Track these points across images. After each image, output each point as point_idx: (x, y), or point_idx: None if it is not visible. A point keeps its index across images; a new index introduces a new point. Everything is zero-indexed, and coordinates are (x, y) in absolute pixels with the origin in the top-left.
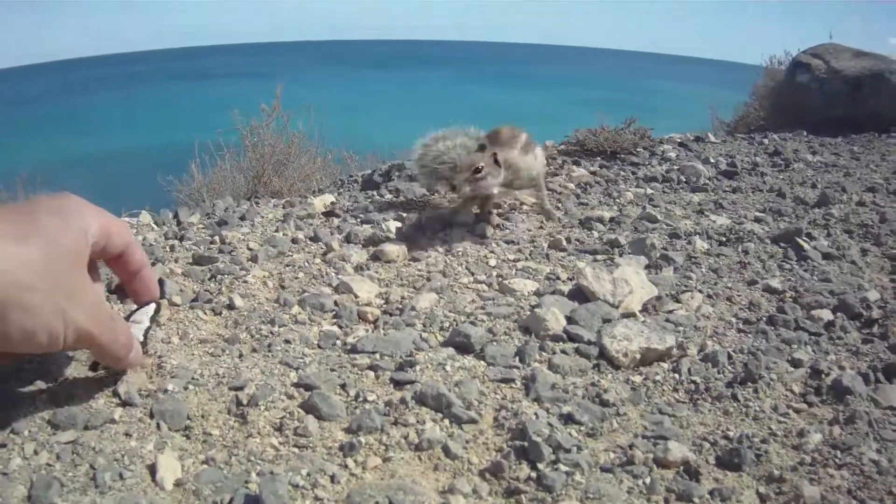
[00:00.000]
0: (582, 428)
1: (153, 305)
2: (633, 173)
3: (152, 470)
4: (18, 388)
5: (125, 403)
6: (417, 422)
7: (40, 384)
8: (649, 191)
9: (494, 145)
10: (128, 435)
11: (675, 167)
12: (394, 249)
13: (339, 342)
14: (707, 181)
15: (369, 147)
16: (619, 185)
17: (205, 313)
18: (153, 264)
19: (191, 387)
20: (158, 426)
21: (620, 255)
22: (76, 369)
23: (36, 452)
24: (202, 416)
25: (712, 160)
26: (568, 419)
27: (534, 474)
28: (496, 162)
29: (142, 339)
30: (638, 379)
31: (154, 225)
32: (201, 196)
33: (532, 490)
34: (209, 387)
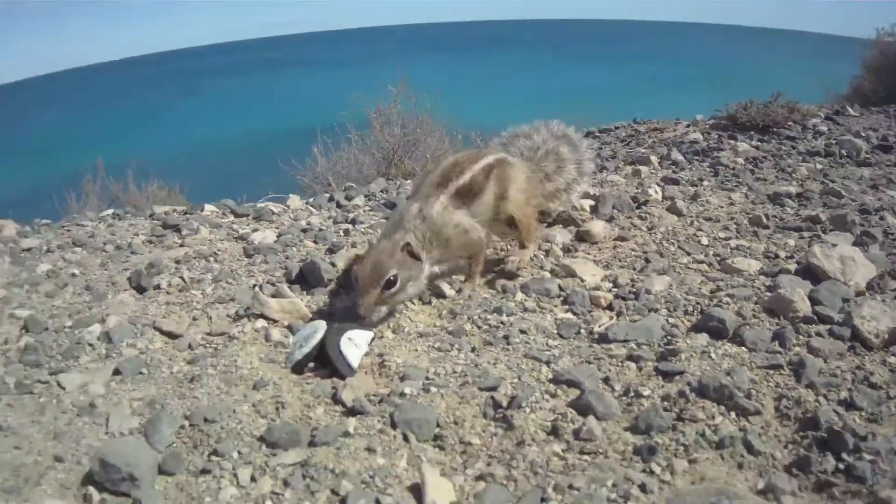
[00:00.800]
0: (863, 414)
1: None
2: (794, 147)
3: (416, 492)
4: (201, 392)
5: (354, 412)
6: (707, 416)
7: (233, 391)
8: (819, 166)
9: (430, 185)
10: (370, 450)
11: (833, 141)
12: (600, 230)
13: (582, 331)
14: (867, 155)
15: (476, 126)
16: (787, 160)
17: (412, 302)
18: (332, 251)
19: (432, 388)
20: (406, 437)
21: (825, 232)
22: (274, 371)
23: (254, 479)
24: (455, 423)
25: (863, 133)
26: (849, 405)
27: (841, 466)
28: (411, 254)
29: (299, 357)
30: (893, 360)
31: (312, 209)
32: (326, 180)
33: (843, 482)
34: (452, 387)
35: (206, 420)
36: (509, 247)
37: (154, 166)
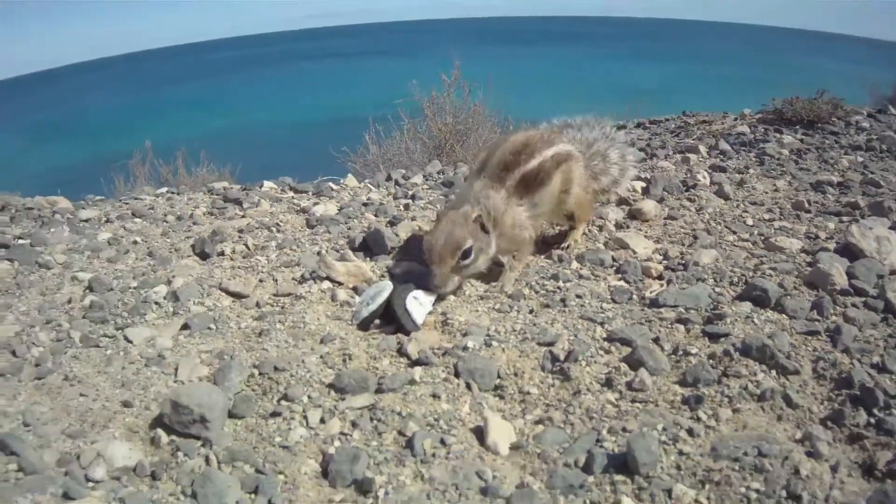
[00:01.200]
0: (893, 376)
1: (389, 286)
2: (837, 142)
3: (479, 434)
4: (269, 345)
5: (419, 363)
6: (749, 373)
7: (301, 345)
8: (859, 159)
9: (498, 165)
10: (435, 397)
11: (874, 136)
12: (651, 208)
13: (634, 296)
14: None
15: (528, 117)
16: (829, 153)
17: None
18: (392, 224)
19: (494, 343)
20: (468, 386)
21: (863, 217)
22: (340, 328)
23: (323, 421)
24: (515, 374)
25: None
26: (881, 369)
27: (872, 420)
28: (483, 228)
29: (365, 314)
30: None
31: (370, 186)
32: (377, 166)
33: (873, 435)
34: (512, 342)
35: (275, 369)
36: (557, 227)
37: (204, 150)
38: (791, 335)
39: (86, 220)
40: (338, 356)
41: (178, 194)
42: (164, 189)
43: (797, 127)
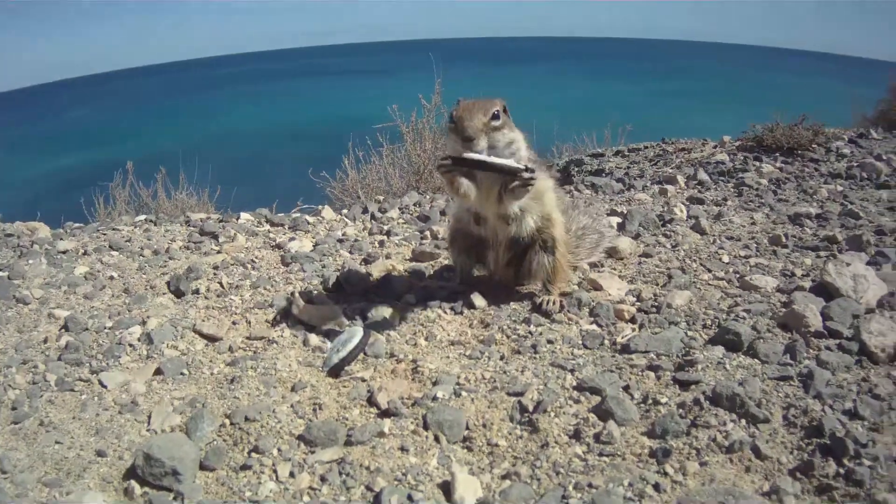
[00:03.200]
0: (865, 423)
1: (360, 332)
2: (817, 169)
3: (446, 489)
4: (241, 392)
5: (389, 413)
6: (719, 423)
7: (272, 392)
8: (839, 188)
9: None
10: (404, 450)
11: (855, 164)
12: (626, 246)
13: (606, 342)
14: (887, 178)
15: None
16: (809, 182)
17: (445, 312)
18: (367, 262)
19: (463, 393)
20: (437, 438)
21: (840, 252)
22: (312, 375)
23: (293, 475)
24: (483, 426)
25: (884, 157)
26: (853, 415)
27: (841, 470)
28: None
29: (335, 361)
30: None
31: (346, 220)
32: (356, 192)
33: (842, 486)
34: (482, 392)
35: (246, 419)
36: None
37: (185, 171)
38: (763, 381)
39: (63, 252)
40: (308, 405)
41: (155, 224)
42: (143, 217)
43: (777, 154)
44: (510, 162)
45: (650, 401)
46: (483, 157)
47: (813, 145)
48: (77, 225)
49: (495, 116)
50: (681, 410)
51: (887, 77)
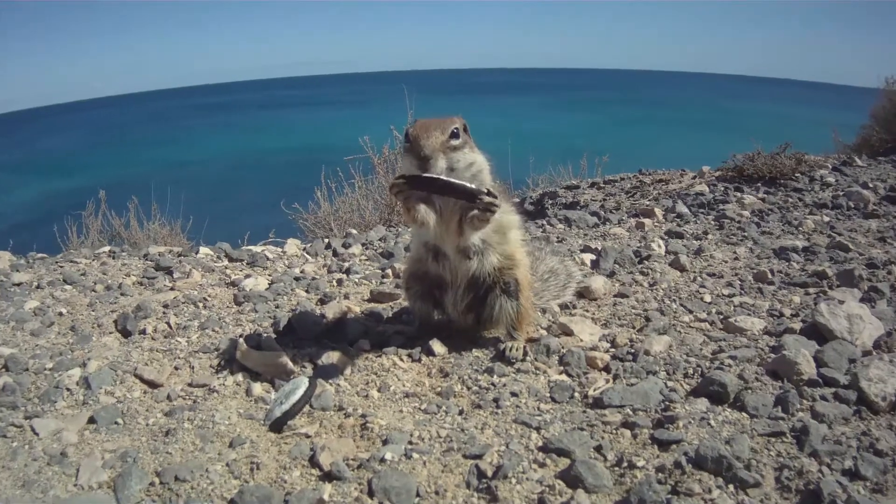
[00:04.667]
0: (867, 483)
1: (305, 382)
2: (801, 199)
3: None
4: (175, 447)
5: (331, 477)
6: (703, 490)
7: (208, 448)
8: (826, 218)
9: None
10: None
11: (841, 192)
12: (600, 286)
13: (576, 394)
14: (875, 207)
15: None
16: (793, 213)
17: (401, 360)
18: (323, 302)
19: (414, 455)
20: None
21: (831, 288)
22: (252, 429)
23: None
24: (436, 493)
25: (870, 185)
26: (853, 475)
27: None
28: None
29: (278, 415)
30: None
31: (307, 255)
32: (328, 224)
33: None
34: (436, 454)
35: (176, 479)
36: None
37: (159, 201)
38: (752, 438)
39: (18, 285)
40: (245, 464)
41: (114, 258)
42: (107, 248)
43: (758, 184)
44: (471, 184)
45: (625, 464)
46: (441, 176)
47: (796, 174)
48: (40, 255)
49: (454, 135)
50: (660, 475)
51: (868, 103)
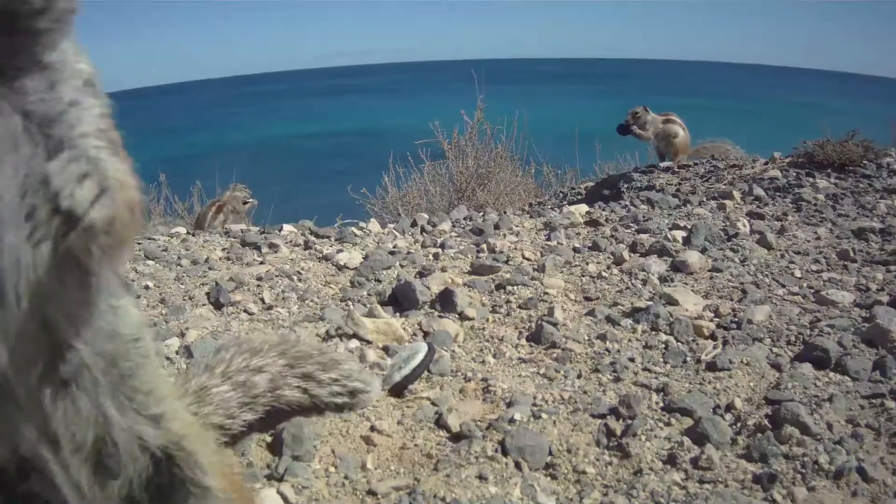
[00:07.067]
0: None
1: (424, 348)
2: (871, 185)
3: None
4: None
5: (461, 437)
6: (818, 445)
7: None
8: None
9: None
10: (482, 478)
11: None
12: (696, 260)
13: (689, 359)
14: None
15: (549, 158)
16: (865, 197)
17: (507, 329)
18: (422, 275)
19: (543, 415)
20: (518, 465)
21: None
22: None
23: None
24: (568, 451)
25: None
26: None
27: None
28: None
29: (398, 379)
30: None
31: (396, 233)
32: (396, 210)
33: None
34: (563, 414)
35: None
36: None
37: (221, 184)
38: (856, 399)
39: None
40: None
41: (193, 235)
42: (181, 229)
43: (828, 171)
44: None
45: (741, 422)
46: None
47: (864, 161)
48: None
49: None
50: (775, 431)
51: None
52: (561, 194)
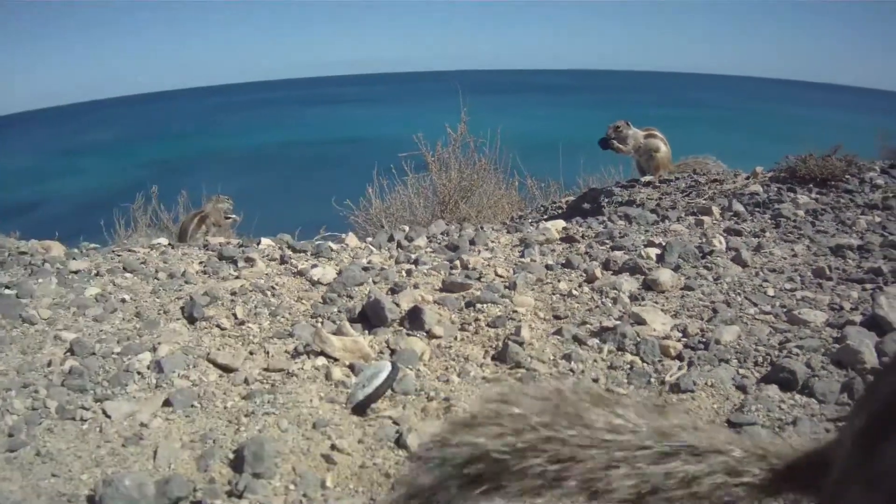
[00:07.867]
0: None
1: (388, 367)
2: (852, 200)
3: None
4: (256, 429)
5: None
6: None
7: (291, 428)
8: (877, 219)
9: None
10: None
11: (890, 194)
12: (667, 279)
13: (653, 380)
14: None
15: (533, 171)
16: (846, 213)
17: (474, 347)
18: (394, 291)
19: None
20: None
21: (886, 284)
22: (335, 412)
23: None
24: None
25: None
26: None
27: None
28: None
29: (361, 398)
30: None
31: (372, 247)
32: (380, 221)
33: None
34: None
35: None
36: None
37: (210, 194)
38: (820, 422)
39: (75, 272)
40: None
41: (172, 248)
42: (162, 240)
43: (810, 185)
44: None
45: None
46: None
47: (846, 176)
48: (92, 245)
49: None
50: None
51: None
52: (542, 208)
